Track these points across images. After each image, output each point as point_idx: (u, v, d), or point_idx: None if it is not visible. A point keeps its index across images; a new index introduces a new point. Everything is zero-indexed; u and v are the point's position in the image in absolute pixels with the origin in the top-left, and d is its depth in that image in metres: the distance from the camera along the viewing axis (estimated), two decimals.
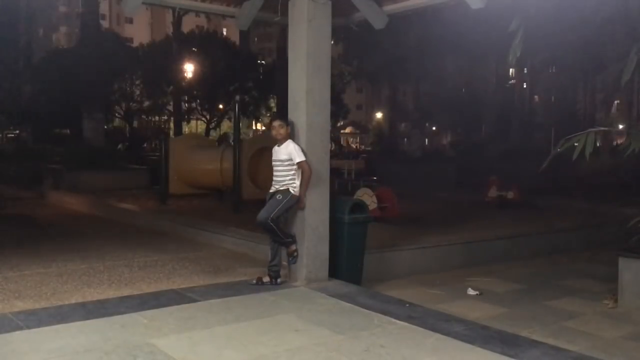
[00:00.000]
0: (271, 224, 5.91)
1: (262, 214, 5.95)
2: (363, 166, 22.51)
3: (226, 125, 40.36)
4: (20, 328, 4.57)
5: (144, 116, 37.42)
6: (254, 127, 49.12)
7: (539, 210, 12.07)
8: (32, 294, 5.65)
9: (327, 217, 6.33)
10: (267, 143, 12.93)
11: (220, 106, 33.94)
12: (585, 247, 9.57)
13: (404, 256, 7.93)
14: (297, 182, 6.00)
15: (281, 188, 6.01)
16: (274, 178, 6.09)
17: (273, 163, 6.12)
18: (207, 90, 31.23)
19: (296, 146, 6.00)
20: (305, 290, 5.93)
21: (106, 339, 4.35)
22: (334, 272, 6.41)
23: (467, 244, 8.60)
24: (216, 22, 47.57)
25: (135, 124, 36.51)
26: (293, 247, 6.14)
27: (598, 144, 5.70)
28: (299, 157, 5.91)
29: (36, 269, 6.72)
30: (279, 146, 6.07)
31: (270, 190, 6.14)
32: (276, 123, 6.14)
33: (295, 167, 5.98)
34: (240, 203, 10.99)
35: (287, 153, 5.96)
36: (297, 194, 6.01)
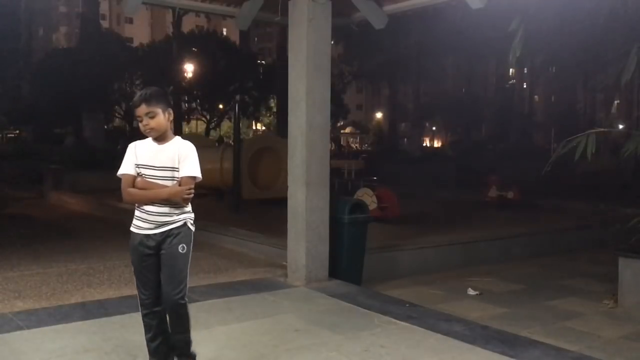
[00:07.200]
0: (186, 303, 3.45)
1: (169, 289, 3.36)
2: (363, 166, 22.50)
3: (226, 125, 40.42)
4: (20, 328, 4.56)
5: None
6: (254, 127, 49.19)
7: (539, 210, 12.06)
8: (32, 294, 5.64)
9: (327, 217, 6.32)
10: (267, 143, 12.94)
11: (220, 106, 33.98)
12: (585, 247, 9.56)
13: (404, 256, 7.92)
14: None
15: (176, 222, 3.39)
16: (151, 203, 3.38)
17: (141, 172, 3.42)
18: (207, 90, 31.26)
19: (194, 150, 3.44)
20: (305, 290, 5.92)
21: (106, 339, 4.35)
22: (334, 272, 6.40)
23: (467, 244, 8.59)
24: (216, 22, 47.57)
25: (135, 123, 36.52)
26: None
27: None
28: (198, 171, 3.40)
29: (36, 269, 6.71)
30: (158, 143, 3.42)
31: (145, 229, 3.38)
32: (144, 108, 3.33)
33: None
34: (240, 203, 10.98)
35: (173, 158, 3.38)
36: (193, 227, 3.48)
